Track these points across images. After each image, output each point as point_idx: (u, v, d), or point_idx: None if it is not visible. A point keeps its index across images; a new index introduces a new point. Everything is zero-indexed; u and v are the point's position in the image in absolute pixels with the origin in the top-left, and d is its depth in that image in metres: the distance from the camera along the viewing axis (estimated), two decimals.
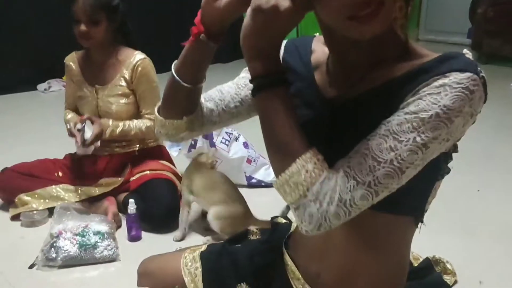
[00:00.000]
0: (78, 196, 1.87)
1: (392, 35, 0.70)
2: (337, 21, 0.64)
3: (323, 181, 0.62)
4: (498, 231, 1.77)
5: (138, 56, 1.87)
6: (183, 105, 0.81)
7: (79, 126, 1.76)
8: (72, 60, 1.93)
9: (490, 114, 3.11)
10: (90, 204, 1.87)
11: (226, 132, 2.09)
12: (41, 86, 3.91)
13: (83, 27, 1.72)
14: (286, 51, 0.84)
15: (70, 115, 1.95)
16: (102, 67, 1.87)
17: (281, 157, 0.66)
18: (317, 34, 0.85)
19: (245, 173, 2.14)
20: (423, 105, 0.61)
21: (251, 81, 0.68)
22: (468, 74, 0.60)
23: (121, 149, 1.93)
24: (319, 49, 0.81)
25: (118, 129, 1.81)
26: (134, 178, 1.89)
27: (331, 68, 0.77)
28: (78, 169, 1.95)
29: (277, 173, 0.66)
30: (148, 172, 1.89)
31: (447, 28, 5.38)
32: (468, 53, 0.66)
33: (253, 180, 2.15)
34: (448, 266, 1.21)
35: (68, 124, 1.84)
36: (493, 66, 4.23)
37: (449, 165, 0.74)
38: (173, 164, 2.03)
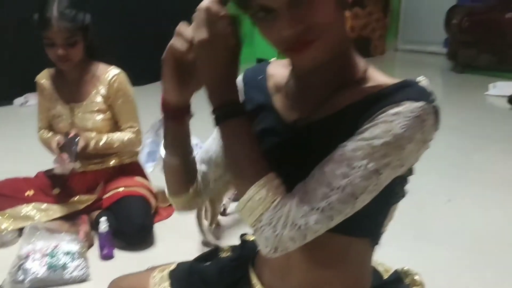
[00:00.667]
0: (49, 215, 1.84)
1: (351, 60, 0.72)
2: (279, 51, 0.67)
3: (276, 206, 0.64)
4: (468, 242, 1.79)
5: (113, 71, 1.86)
6: (184, 179, 0.83)
7: (62, 139, 1.73)
8: (45, 78, 1.90)
9: (464, 123, 3.18)
10: (62, 223, 1.84)
11: (196, 144, 2.08)
12: (18, 100, 3.86)
13: (61, 51, 1.70)
14: (244, 82, 0.85)
15: (49, 134, 1.91)
16: (77, 84, 1.86)
17: (239, 183, 0.69)
18: (274, 58, 0.86)
19: None
20: (377, 132, 0.62)
21: (213, 112, 0.71)
22: (420, 103, 0.62)
23: (95, 166, 1.91)
24: (278, 73, 0.82)
25: (102, 142, 1.80)
26: (107, 195, 1.87)
27: (290, 92, 0.78)
28: (51, 187, 1.92)
29: (238, 198, 0.69)
30: (121, 189, 1.86)
31: (425, 38, 5.50)
32: (423, 80, 0.67)
33: None
34: (416, 278, 1.22)
35: (51, 144, 1.77)
36: (469, 75, 4.33)
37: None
38: (148, 180, 2.01)
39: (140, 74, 2.57)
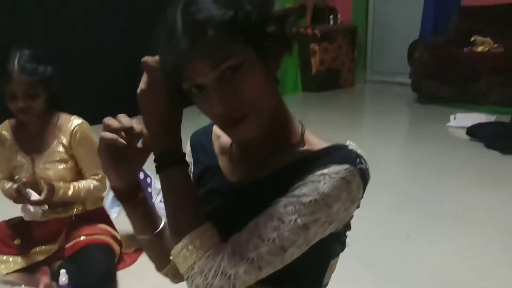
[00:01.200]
0: (10, 267, 1.80)
1: (287, 126, 0.78)
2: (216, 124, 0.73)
3: (209, 256, 0.68)
4: (427, 277, 1.82)
5: (75, 121, 1.88)
6: (161, 253, 0.85)
7: (20, 187, 1.73)
8: (5, 130, 1.91)
9: (426, 155, 3.28)
10: (21, 275, 1.81)
11: (150, 179, 2.10)
12: None
13: (21, 104, 1.71)
14: (191, 145, 0.90)
15: (9, 184, 1.90)
16: (39, 134, 1.87)
17: (175, 230, 0.72)
18: None
19: None
20: (306, 190, 0.68)
21: (154, 160, 0.74)
22: (345, 166, 0.68)
23: (58, 215, 1.90)
24: (224, 134, 0.86)
25: (70, 191, 1.80)
26: (69, 244, 1.85)
27: (234, 155, 0.83)
28: (12, 238, 1.89)
29: (173, 245, 0.72)
30: (83, 237, 1.86)
31: (392, 69, 5.71)
32: (352, 144, 0.73)
33: None
34: None
35: (12, 193, 1.78)
36: (432, 106, 4.49)
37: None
38: (113, 226, 2.01)
39: (107, 112, 2.59)
